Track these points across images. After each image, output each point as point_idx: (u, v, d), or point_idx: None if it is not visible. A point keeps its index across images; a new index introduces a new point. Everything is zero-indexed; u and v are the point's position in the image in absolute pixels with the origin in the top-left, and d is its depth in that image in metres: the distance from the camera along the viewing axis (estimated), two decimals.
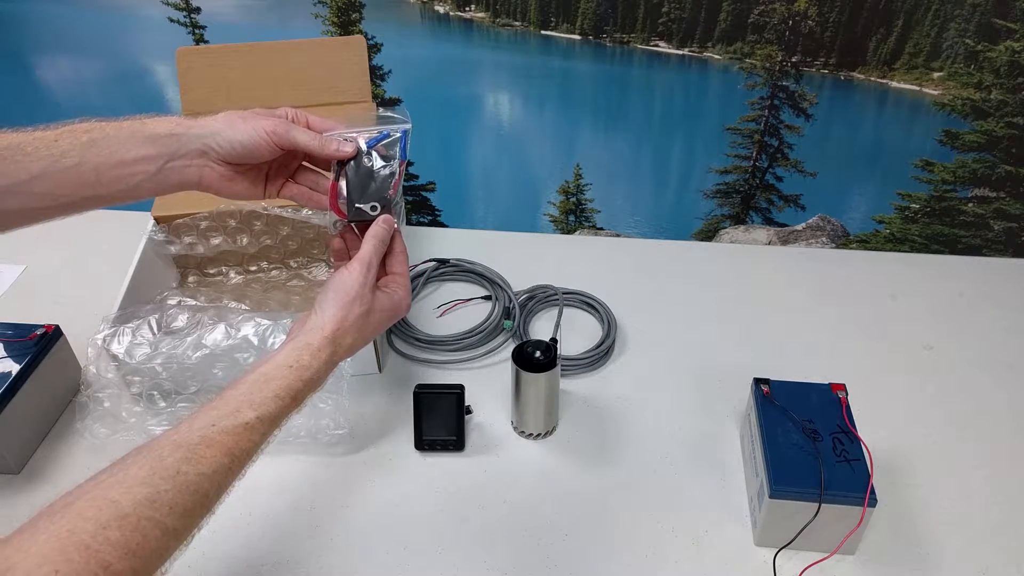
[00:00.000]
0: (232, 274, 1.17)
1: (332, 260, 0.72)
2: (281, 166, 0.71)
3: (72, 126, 0.63)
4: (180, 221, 1.10)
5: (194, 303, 1.05)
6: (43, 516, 0.46)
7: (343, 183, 0.68)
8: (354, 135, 0.68)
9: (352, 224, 0.69)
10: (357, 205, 0.67)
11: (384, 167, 0.68)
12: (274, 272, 1.18)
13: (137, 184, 0.64)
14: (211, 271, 1.17)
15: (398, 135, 0.68)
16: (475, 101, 1.27)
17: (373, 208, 0.67)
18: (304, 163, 0.72)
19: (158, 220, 1.10)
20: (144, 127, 0.64)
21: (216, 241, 1.12)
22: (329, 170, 0.70)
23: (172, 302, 1.05)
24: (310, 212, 1.09)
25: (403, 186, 1.37)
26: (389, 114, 0.70)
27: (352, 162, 0.68)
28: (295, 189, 0.72)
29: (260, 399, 0.57)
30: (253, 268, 1.18)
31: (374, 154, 0.68)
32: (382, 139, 0.68)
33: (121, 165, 0.63)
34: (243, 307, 1.06)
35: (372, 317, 0.65)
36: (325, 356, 0.62)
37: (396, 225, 0.69)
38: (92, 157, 0.62)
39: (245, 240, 1.13)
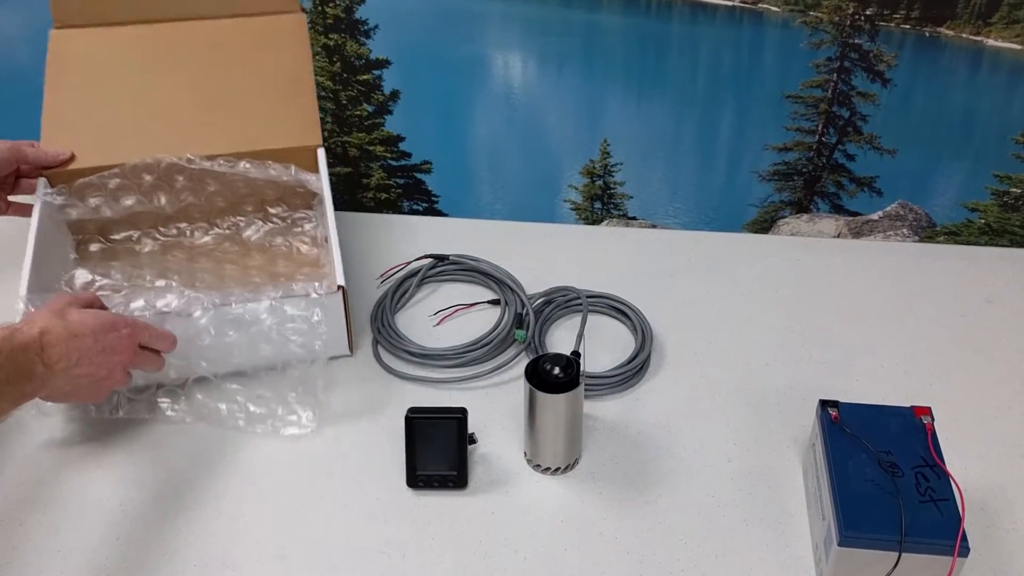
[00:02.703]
0: (144, 240, 1.16)
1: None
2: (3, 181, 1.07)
3: None
4: (84, 180, 1.07)
5: (108, 281, 1.05)
6: None
7: None
8: None
9: None
10: None
11: None
12: (199, 235, 1.17)
13: None
14: (116, 236, 1.16)
15: None
16: (481, 63, 1.27)
17: None
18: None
19: (52, 180, 1.07)
20: None
21: (129, 202, 1.11)
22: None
23: (81, 281, 1.04)
24: (248, 164, 1.08)
25: (393, 166, 1.37)
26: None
27: None
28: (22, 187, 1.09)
29: None
30: (173, 232, 1.17)
31: None
32: None
33: None
34: (173, 283, 1.06)
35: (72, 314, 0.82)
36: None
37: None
38: None
39: (164, 199, 1.12)
